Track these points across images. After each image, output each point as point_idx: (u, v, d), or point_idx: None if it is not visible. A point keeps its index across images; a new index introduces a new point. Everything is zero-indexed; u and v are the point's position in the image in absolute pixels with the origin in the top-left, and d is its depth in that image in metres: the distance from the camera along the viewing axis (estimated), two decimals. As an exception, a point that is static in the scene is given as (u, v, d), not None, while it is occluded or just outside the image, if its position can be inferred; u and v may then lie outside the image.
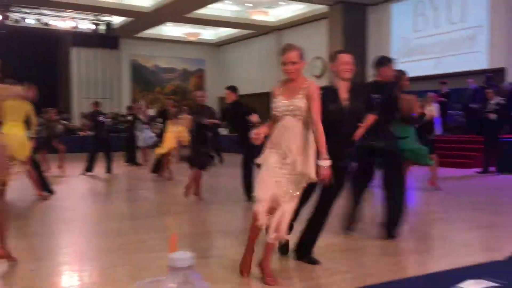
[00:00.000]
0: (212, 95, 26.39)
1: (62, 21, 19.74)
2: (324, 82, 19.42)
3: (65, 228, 5.77)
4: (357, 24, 18.65)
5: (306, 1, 18.65)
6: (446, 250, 4.60)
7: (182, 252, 0.74)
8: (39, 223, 5.99)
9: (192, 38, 24.32)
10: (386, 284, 1.09)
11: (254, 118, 7.04)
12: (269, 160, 3.54)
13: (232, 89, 7.34)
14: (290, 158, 3.46)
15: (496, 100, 10.75)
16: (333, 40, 18.86)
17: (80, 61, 23.58)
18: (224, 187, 9.05)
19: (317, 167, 3.48)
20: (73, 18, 19.73)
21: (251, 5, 19.91)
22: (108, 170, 11.13)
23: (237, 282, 3.65)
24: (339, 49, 5.07)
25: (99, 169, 11.04)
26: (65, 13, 19.42)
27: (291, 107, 3.53)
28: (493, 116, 10.49)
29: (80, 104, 22.99)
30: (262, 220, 3.45)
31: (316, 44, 20.20)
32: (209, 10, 19.78)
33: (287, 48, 3.58)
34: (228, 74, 25.23)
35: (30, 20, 19.19)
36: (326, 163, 3.44)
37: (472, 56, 15.44)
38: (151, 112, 23.43)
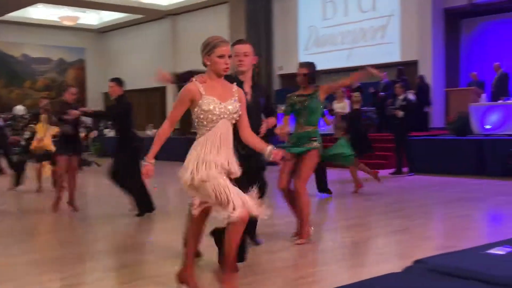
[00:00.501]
0: (95, 90, 25.61)
1: None
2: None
3: None
4: (261, 10, 18.96)
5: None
6: (361, 259, 4.85)
7: None
8: None
9: (69, 23, 23.33)
10: None
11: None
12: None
13: (117, 81, 7.17)
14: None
15: (404, 95, 11.28)
16: (235, 27, 19.05)
17: None
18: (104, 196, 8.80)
19: None
20: None
21: (140, -15, 19.58)
22: None
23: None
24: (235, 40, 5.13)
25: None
26: None
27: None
28: (400, 114, 11.05)
29: None
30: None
31: (216, 31, 20.12)
32: (89, -10, 19.21)
33: (225, 40, 3.57)
34: (114, 65, 24.57)
35: None
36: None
37: (384, 47, 16.29)
38: (20, 110, 22.31)
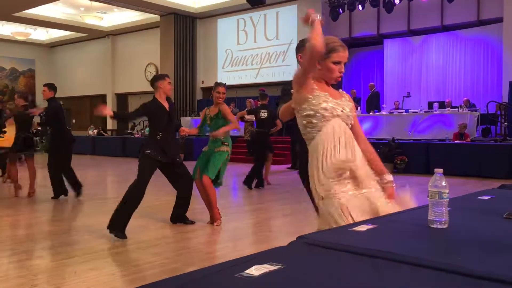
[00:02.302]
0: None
1: None
2: (156, 86, 19.20)
3: None
4: (187, 35, 18.78)
5: (139, 10, 18.19)
6: (257, 237, 4.88)
7: None
8: None
9: (21, 37, 21.99)
10: (187, 275, 1.07)
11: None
12: None
13: (49, 86, 7.03)
14: None
15: None
16: (165, 48, 18.74)
17: None
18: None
19: None
20: None
21: (84, 8, 18.76)
22: None
23: (57, 282, 3.37)
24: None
25: None
26: None
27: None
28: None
29: None
30: None
31: (149, 51, 19.86)
32: (40, 10, 18.17)
33: (344, 45, 2.43)
34: (60, 76, 23.39)
35: None
36: None
37: (285, 68, 16.63)
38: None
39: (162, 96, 4.93)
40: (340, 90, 2.48)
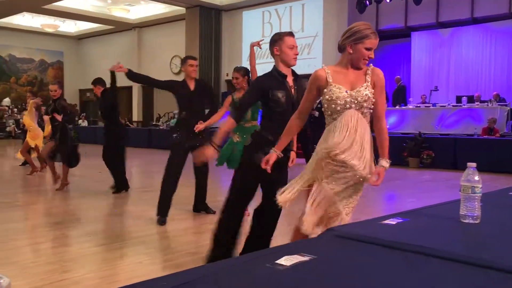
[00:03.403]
0: (71, 87, 24.76)
1: None
2: (181, 79, 19.32)
3: None
4: (212, 27, 18.81)
5: (165, 2, 18.30)
6: (283, 229, 4.89)
7: None
8: None
9: (50, 29, 22.40)
10: (217, 265, 1.10)
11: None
12: None
13: (94, 82, 6.96)
14: None
15: (319, 100, 11.64)
16: (190, 40, 18.82)
17: None
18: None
19: None
20: None
21: (111, 1, 18.99)
22: None
23: (105, 269, 3.46)
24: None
25: None
26: None
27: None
28: (316, 113, 11.33)
29: None
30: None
31: (175, 43, 19.99)
32: (68, 3, 18.44)
33: (376, 33, 2.52)
34: (87, 67, 23.78)
35: None
36: None
37: (309, 61, 16.53)
38: (7, 102, 21.32)
39: (187, 78, 5.08)
40: (370, 66, 2.55)
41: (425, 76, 15.12)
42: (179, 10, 19.12)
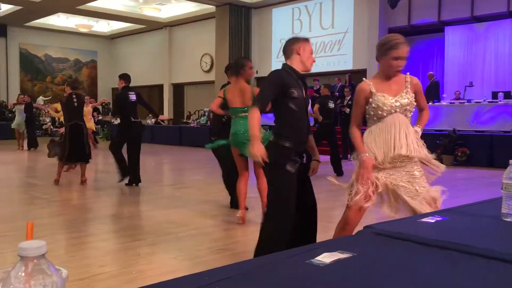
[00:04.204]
0: (104, 86, 25.29)
1: None
2: (212, 77, 19.45)
3: None
4: (242, 25, 18.85)
5: (195, 0, 18.43)
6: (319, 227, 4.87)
7: (34, 241, 0.67)
8: None
9: (84, 30, 22.90)
10: (257, 261, 1.10)
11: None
12: None
13: (119, 76, 7.34)
14: None
15: (351, 96, 11.54)
16: (220, 38, 18.91)
17: (-37, 48, 21.26)
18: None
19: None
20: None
21: (143, 1, 19.26)
22: None
23: (141, 263, 3.52)
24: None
25: None
26: None
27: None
28: (347, 110, 11.25)
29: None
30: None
31: (205, 41, 20.13)
32: (101, 3, 18.80)
33: (403, 41, 2.81)
34: (120, 66, 24.20)
35: None
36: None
37: (339, 57, 16.39)
38: (42, 100, 21.94)
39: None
40: (407, 74, 2.87)
41: (459, 72, 14.76)
42: (209, 8, 19.24)
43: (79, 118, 7.11)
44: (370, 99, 2.75)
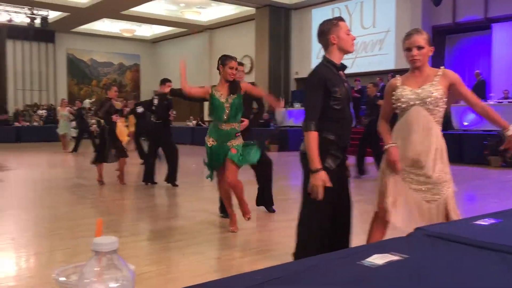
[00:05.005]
0: (147, 89, 25.85)
1: (-3, 14, 18.46)
2: (252, 78, 19.55)
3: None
4: (281, 26, 18.85)
5: (235, 3, 18.58)
6: (356, 229, 4.80)
7: (107, 237, 0.70)
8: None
9: (127, 34, 23.54)
10: (307, 261, 1.10)
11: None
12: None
13: (160, 81, 7.58)
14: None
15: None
16: (260, 40, 18.97)
17: (15, 54, 22.21)
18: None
19: None
20: (8, 11, 18.47)
21: (184, 4, 19.59)
22: None
23: (185, 263, 3.59)
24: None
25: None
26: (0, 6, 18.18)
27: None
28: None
29: (15, 95, 21.72)
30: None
31: (245, 43, 20.24)
32: (144, 8, 19.25)
33: (415, 32, 2.75)
34: (162, 69, 24.68)
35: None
36: None
37: (381, 57, 16.10)
38: (87, 104, 22.68)
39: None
40: (441, 67, 2.79)
41: (507, 70, 14.22)
42: (249, 10, 19.34)
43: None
44: (394, 92, 2.76)
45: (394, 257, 1.19)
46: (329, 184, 2.60)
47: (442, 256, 1.25)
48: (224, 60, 4.25)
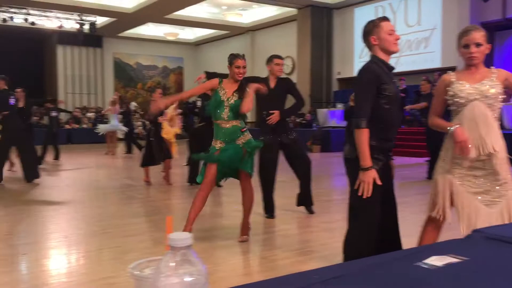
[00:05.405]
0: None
1: (48, 21, 19.23)
2: (294, 79, 19.48)
3: (53, 214, 5.65)
4: (323, 26, 18.71)
5: (277, 4, 18.60)
6: (409, 230, 4.70)
7: (181, 233, 0.72)
8: (31, 210, 5.85)
9: (171, 38, 24.01)
10: (364, 261, 1.09)
11: None
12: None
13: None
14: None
15: None
16: (302, 40, 18.90)
17: (65, 59, 23.10)
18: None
19: None
20: (58, 18, 19.25)
21: (226, 7, 19.78)
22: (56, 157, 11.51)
23: (232, 262, 3.63)
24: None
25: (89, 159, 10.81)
26: (51, 13, 18.93)
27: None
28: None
29: (66, 98, 22.55)
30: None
31: (286, 44, 20.21)
32: (187, 11, 19.57)
33: (474, 28, 2.68)
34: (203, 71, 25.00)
35: (18, 20, 18.61)
36: None
37: (427, 55, 15.71)
38: (134, 106, 23.32)
39: (271, 76, 5.13)
40: (491, 67, 2.73)
41: (562, 67, 13.56)
42: (291, 11, 19.31)
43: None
44: (448, 88, 2.67)
45: (453, 259, 1.16)
46: (378, 182, 2.58)
47: (503, 259, 1.21)
48: (231, 59, 4.13)
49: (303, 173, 5.19)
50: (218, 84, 4.06)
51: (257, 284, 0.94)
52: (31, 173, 7.90)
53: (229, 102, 3.96)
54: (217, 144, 3.99)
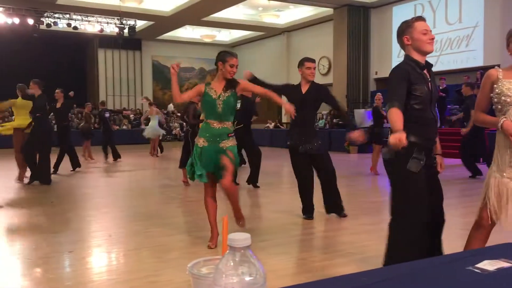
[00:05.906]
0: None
1: (90, 25, 19.82)
2: (330, 79, 19.33)
3: (97, 214, 5.82)
4: (360, 25, 18.49)
5: (313, 4, 18.51)
6: (455, 234, 4.59)
7: (241, 233, 0.73)
8: (76, 209, 6.04)
9: (208, 40, 24.30)
10: (412, 265, 1.08)
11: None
12: None
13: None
14: None
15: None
16: (338, 40, 18.73)
17: (106, 62, 23.75)
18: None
19: None
20: (99, 22, 19.81)
21: (262, 8, 19.84)
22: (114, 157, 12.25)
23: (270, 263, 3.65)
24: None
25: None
26: (92, 18, 19.51)
27: None
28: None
29: (106, 100, 23.19)
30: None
31: (322, 44, 20.10)
32: (224, 14, 19.75)
33: None
34: (241, 73, 25.10)
35: (61, 25, 19.26)
36: None
37: (468, 54, 15.28)
38: (171, 107, 23.69)
39: (302, 80, 5.01)
40: None
41: None
42: (327, 11, 19.18)
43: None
44: (495, 85, 2.58)
45: (505, 264, 1.13)
46: (405, 142, 2.43)
47: (560, 265, 1.17)
48: (224, 56, 3.96)
49: (326, 180, 5.04)
50: (204, 87, 3.96)
51: (305, 285, 0.95)
52: (45, 177, 8.00)
53: (222, 99, 3.86)
54: (200, 142, 3.90)
